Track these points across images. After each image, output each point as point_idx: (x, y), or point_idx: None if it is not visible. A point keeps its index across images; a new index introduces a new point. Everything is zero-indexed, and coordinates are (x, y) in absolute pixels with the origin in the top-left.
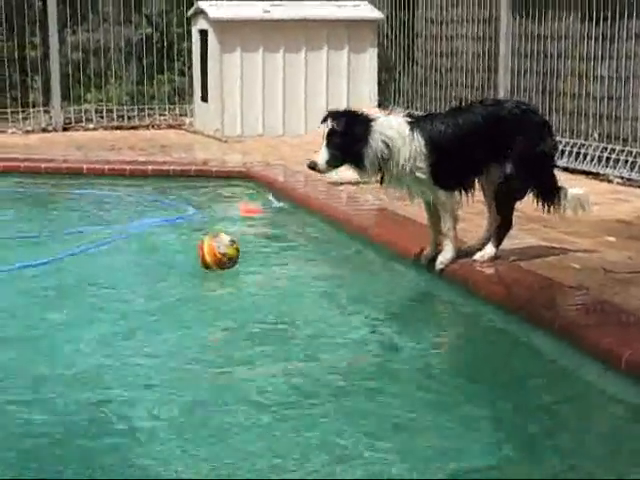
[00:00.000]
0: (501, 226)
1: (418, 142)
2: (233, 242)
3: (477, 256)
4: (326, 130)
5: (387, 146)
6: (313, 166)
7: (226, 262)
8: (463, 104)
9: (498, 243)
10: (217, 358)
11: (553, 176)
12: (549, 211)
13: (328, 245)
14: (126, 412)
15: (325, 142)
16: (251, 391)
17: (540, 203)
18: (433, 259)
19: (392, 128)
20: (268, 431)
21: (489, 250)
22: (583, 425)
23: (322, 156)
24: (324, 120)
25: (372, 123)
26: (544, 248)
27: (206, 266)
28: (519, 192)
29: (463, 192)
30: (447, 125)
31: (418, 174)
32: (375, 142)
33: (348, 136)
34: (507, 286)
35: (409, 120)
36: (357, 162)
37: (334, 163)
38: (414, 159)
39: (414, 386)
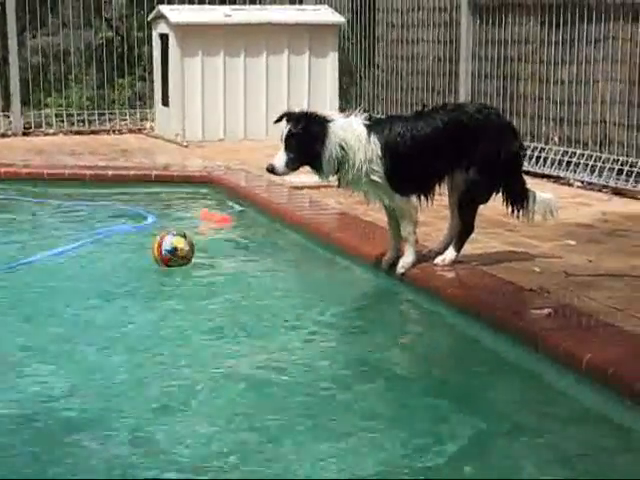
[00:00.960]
0: (463, 230)
1: (374, 145)
2: (183, 236)
3: (438, 260)
4: (284, 132)
5: (342, 148)
6: (271, 169)
7: (172, 258)
8: (425, 108)
9: (459, 247)
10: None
11: (521, 180)
12: (518, 216)
13: (288, 250)
14: None
15: (283, 145)
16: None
17: (509, 207)
18: (394, 264)
19: (348, 130)
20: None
21: (450, 254)
22: (543, 427)
23: (280, 159)
24: (279, 119)
25: (329, 125)
26: (506, 252)
27: (155, 261)
28: (482, 198)
29: (423, 197)
30: (406, 129)
31: (374, 177)
32: (331, 144)
33: (305, 138)
34: (468, 290)
35: (367, 123)
36: (314, 164)
37: (292, 165)
38: (369, 162)
39: (367, 388)
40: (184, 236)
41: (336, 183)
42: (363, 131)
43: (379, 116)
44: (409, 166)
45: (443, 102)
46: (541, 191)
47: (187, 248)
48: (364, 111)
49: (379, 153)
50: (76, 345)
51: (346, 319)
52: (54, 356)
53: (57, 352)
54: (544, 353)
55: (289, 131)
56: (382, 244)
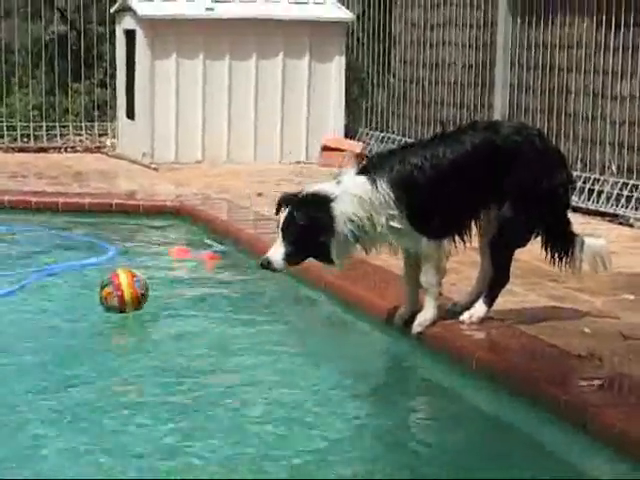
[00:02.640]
0: (495, 280)
1: (382, 189)
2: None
3: (464, 316)
4: (281, 221)
5: (357, 225)
6: (266, 264)
7: (142, 304)
8: (448, 129)
9: (490, 301)
10: None
11: (565, 220)
12: (560, 265)
13: (278, 300)
14: None
15: (280, 235)
16: None
17: (549, 254)
18: (410, 320)
19: (354, 198)
20: None
21: (479, 309)
22: None
23: (277, 252)
24: (278, 209)
25: (332, 205)
26: (548, 307)
27: (119, 305)
28: (518, 240)
29: (456, 240)
30: (424, 158)
31: (393, 223)
32: (341, 227)
33: (308, 228)
34: (501, 354)
35: (365, 169)
36: (324, 256)
37: (293, 260)
38: (385, 209)
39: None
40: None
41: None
42: (366, 185)
43: (383, 150)
44: (434, 202)
45: (472, 120)
46: (592, 233)
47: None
48: (360, 158)
49: (390, 195)
50: None
51: (347, 392)
52: None
53: None
54: (594, 434)
55: (287, 219)
56: (396, 295)
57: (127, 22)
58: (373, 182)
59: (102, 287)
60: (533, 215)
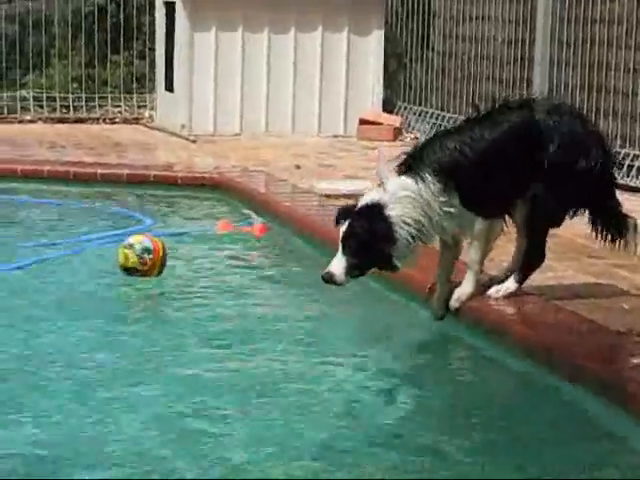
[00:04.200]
0: (528, 257)
1: (428, 181)
2: (147, 251)
3: (492, 290)
4: (340, 234)
5: (414, 227)
6: (328, 279)
7: (133, 272)
8: (481, 110)
9: (522, 277)
10: None
11: (614, 200)
12: (613, 243)
13: (316, 273)
14: None
15: (341, 247)
16: None
17: (597, 234)
18: (446, 300)
19: (404, 200)
20: None
21: (509, 285)
22: None
23: (339, 265)
24: (337, 221)
25: (388, 212)
26: (587, 284)
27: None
28: (551, 218)
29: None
30: (462, 142)
31: (446, 208)
32: (400, 232)
33: (369, 239)
34: (537, 328)
35: (403, 167)
36: (386, 265)
37: (355, 273)
38: (436, 198)
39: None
40: (147, 250)
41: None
42: (411, 183)
43: (418, 142)
44: (480, 183)
45: (505, 98)
46: (633, 210)
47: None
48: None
49: (436, 184)
50: None
51: (385, 366)
52: None
53: None
54: (634, 411)
55: (347, 231)
56: (433, 268)
57: None
58: (416, 178)
59: (143, 252)
60: (567, 194)
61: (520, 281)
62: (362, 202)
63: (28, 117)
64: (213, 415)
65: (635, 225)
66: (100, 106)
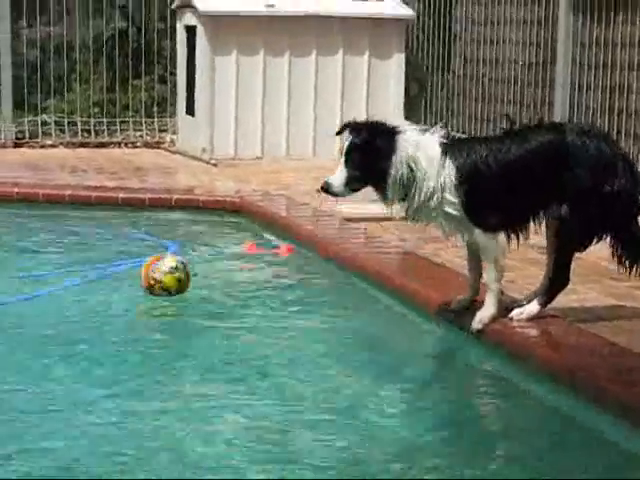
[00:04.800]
0: (553, 280)
1: (449, 170)
2: (176, 269)
3: (515, 312)
4: (345, 145)
5: (411, 169)
6: (327, 188)
7: (157, 290)
8: (515, 127)
9: (546, 301)
10: None
11: (636, 227)
12: (631, 271)
13: (337, 296)
14: None
15: (343, 159)
16: None
17: (617, 259)
18: (467, 308)
19: (421, 147)
20: None
21: (532, 307)
22: None
23: (339, 176)
24: (340, 131)
25: (398, 137)
26: (609, 306)
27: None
28: (576, 242)
29: (513, 236)
30: (491, 151)
31: (448, 209)
32: (399, 161)
33: (370, 152)
34: (560, 351)
35: (444, 141)
36: (378, 184)
37: (352, 185)
38: (442, 191)
39: None
40: (176, 269)
41: (402, 214)
42: (438, 151)
43: (461, 135)
44: (493, 196)
45: (538, 119)
46: None
47: (175, 284)
48: (444, 127)
49: (454, 181)
50: None
51: (401, 388)
52: None
53: None
54: None
55: (350, 143)
56: (455, 292)
57: (188, 18)
58: (444, 155)
59: (178, 270)
60: (592, 219)
61: (543, 304)
62: (375, 119)
63: (49, 142)
64: None
65: None
66: (121, 130)
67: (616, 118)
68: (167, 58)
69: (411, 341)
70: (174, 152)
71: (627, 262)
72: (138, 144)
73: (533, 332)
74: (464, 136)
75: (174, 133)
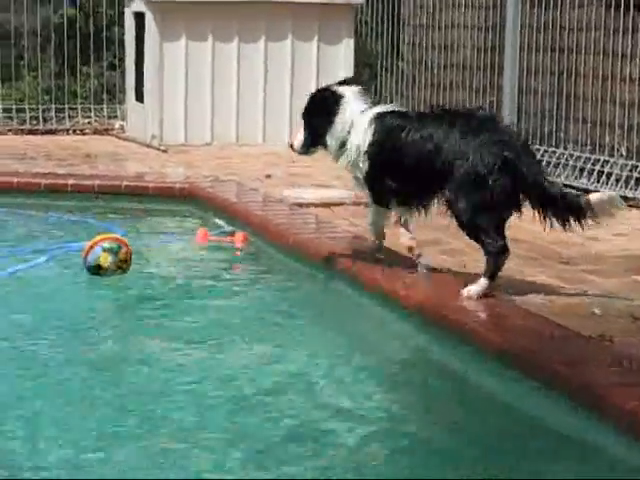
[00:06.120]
0: (485, 253)
1: (367, 136)
2: (115, 252)
3: (463, 291)
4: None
5: (348, 131)
6: (291, 146)
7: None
8: (437, 108)
9: (490, 275)
10: None
11: (549, 184)
12: (565, 226)
13: (288, 281)
14: None
15: (303, 122)
16: None
17: (557, 223)
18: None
19: (355, 111)
20: None
21: (478, 284)
22: None
23: (299, 137)
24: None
25: (343, 101)
26: (558, 289)
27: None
28: (468, 217)
29: (416, 210)
30: (403, 129)
31: (357, 174)
32: (340, 121)
33: (317, 113)
34: (506, 334)
35: (382, 111)
36: (325, 142)
37: (308, 144)
38: (358, 153)
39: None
40: (116, 252)
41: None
42: (370, 117)
43: (407, 110)
44: (392, 174)
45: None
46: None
47: (113, 268)
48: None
49: (365, 148)
50: None
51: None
52: None
53: None
54: (606, 416)
55: (305, 107)
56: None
57: (136, 5)
58: (371, 122)
59: (116, 251)
60: (476, 196)
61: (489, 277)
62: (328, 87)
63: None
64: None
65: (588, 201)
66: (70, 117)
67: (564, 102)
68: (116, 45)
69: (352, 319)
70: (124, 139)
71: (557, 221)
72: (87, 131)
73: (476, 312)
74: (409, 112)
75: (123, 120)
